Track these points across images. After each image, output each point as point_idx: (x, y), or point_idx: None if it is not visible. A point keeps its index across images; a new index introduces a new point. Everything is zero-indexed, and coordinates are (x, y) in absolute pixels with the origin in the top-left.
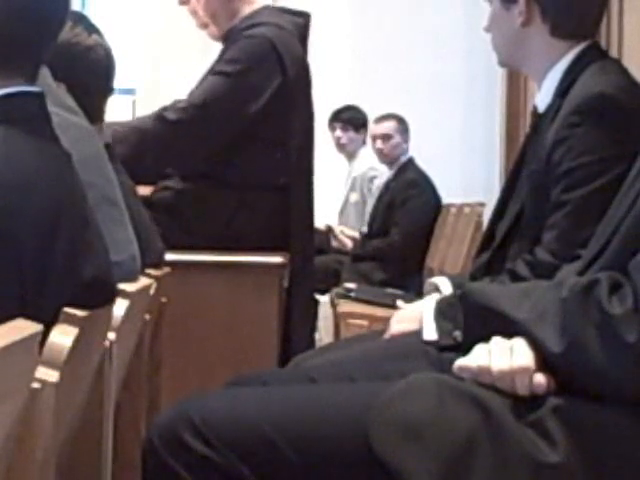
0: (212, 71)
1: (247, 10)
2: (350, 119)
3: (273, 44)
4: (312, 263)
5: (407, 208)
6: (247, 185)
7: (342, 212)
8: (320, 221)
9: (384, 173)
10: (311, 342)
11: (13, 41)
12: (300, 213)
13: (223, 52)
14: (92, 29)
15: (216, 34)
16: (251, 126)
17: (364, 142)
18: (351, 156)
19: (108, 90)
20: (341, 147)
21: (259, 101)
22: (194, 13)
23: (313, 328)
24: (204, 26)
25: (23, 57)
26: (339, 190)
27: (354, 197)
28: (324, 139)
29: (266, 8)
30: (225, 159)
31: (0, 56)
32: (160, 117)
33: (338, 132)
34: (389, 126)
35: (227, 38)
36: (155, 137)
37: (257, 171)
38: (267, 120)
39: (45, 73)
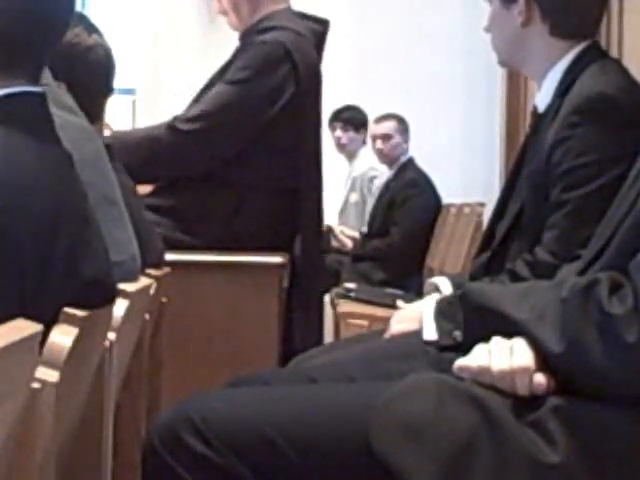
0: (224, 80)
1: (270, 8)
2: (350, 119)
3: (287, 50)
4: (319, 265)
5: (407, 208)
6: (248, 185)
7: (342, 212)
8: None
9: (384, 173)
10: (320, 342)
11: (15, 42)
12: (309, 215)
13: (236, 53)
14: (92, 29)
15: (235, 24)
16: (262, 132)
17: (364, 142)
18: (351, 156)
19: (108, 90)
20: (341, 147)
21: (271, 110)
22: None
23: (321, 329)
24: (223, 12)
25: (25, 58)
26: (339, 190)
27: (354, 197)
28: (324, 139)
29: (287, 11)
30: (230, 161)
31: (2, 56)
32: (172, 127)
33: (338, 132)
34: (389, 126)
35: (242, 38)
36: (167, 147)
37: (265, 174)
38: (278, 127)
39: (46, 74)
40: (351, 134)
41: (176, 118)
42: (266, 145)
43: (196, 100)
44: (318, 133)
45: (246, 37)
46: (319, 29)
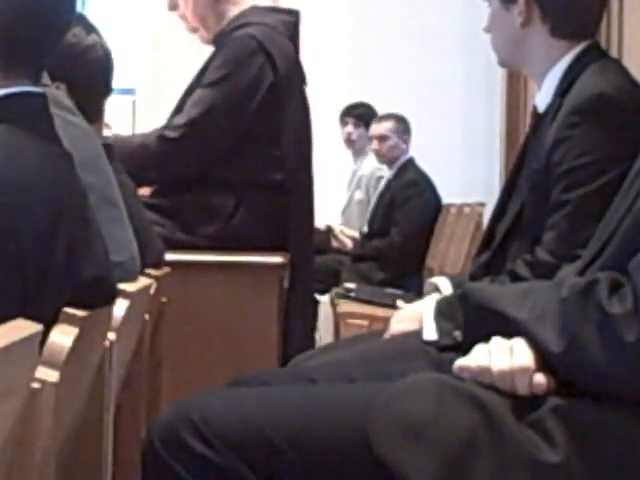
0: (203, 84)
1: (235, 11)
2: (362, 115)
3: (260, 43)
4: (312, 263)
5: (407, 208)
6: (245, 184)
7: (345, 210)
8: (321, 220)
9: (388, 174)
10: (311, 342)
11: (16, 42)
12: (299, 211)
13: (211, 58)
14: (91, 29)
15: (206, 37)
16: (248, 126)
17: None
18: (358, 153)
19: (107, 90)
20: (350, 143)
21: (253, 102)
22: (183, 18)
23: (313, 328)
24: (194, 30)
25: (26, 58)
26: (341, 189)
27: (358, 195)
28: (324, 138)
29: (254, 8)
30: (222, 159)
31: (4, 57)
32: (161, 137)
33: (349, 127)
34: (386, 127)
35: (216, 42)
36: (158, 157)
37: (253, 169)
38: (260, 119)
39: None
40: (361, 131)
41: (165, 127)
42: (254, 139)
43: (178, 107)
44: (306, 127)
45: (218, 39)
46: (290, 20)
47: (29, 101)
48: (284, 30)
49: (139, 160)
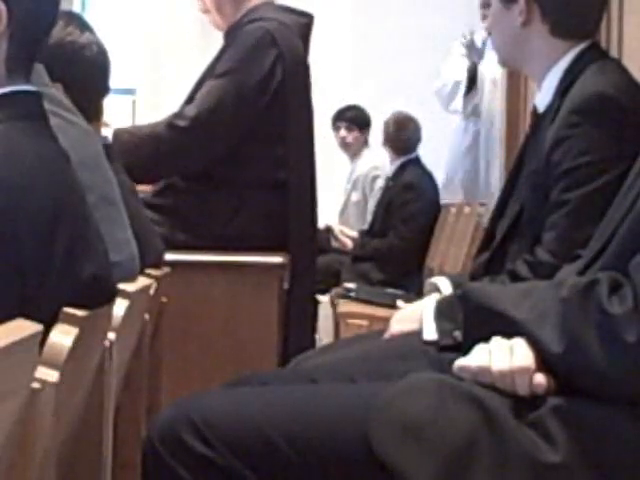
0: (215, 74)
1: (252, 3)
2: (354, 118)
3: (273, 37)
4: (313, 262)
5: (405, 214)
6: (247, 183)
7: (343, 212)
8: (320, 221)
9: (388, 173)
10: (312, 342)
11: (19, 45)
12: (300, 210)
13: (224, 49)
14: (84, 27)
15: (218, 22)
16: (255, 123)
17: (366, 142)
18: (354, 155)
19: (104, 88)
20: (346, 146)
21: (265, 97)
22: None
23: (314, 328)
24: (206, 12)
25: (22, 57)
26: (340, 190)
27: (355, 196)
28: (324, 139)
29: (269, 4)
30: (225, 158)
31: (9, 60)
32: (172, 125)
33: (343, 132)
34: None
35: (228, 34)
36: (169, 146)
37: (256, 168)
38: (267, 115)
39: (42, 73)
40: (356, 133)
41: (176, 115)
42: (258, 137)
43: (189, 99)
44: (309, 127)
45: (231, 33)
46: (304, 21)
47: (26, 100)
48: (297, 31)
49: (148, 150)
